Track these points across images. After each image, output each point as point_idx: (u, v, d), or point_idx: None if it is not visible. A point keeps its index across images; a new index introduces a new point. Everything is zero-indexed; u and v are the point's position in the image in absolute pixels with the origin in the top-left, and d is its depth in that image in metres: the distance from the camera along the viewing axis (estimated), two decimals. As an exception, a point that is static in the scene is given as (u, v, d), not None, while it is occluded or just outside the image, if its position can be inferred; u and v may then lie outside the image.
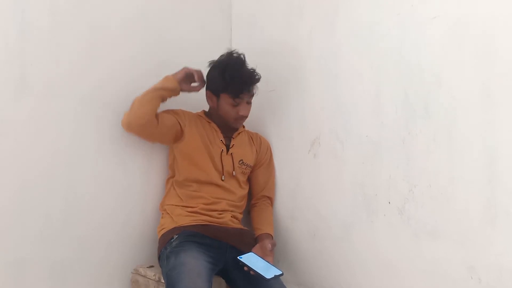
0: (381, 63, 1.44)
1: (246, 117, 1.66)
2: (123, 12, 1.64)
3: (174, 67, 1.76)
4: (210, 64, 1.65)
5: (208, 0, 1.92)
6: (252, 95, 1.66)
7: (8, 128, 1.39)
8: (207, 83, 1.66)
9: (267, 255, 1.49)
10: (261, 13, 1.87)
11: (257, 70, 1.64)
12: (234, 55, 1.62)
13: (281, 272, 1.38)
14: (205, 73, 1.65)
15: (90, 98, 1.55)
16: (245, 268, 1.40)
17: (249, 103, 1.66)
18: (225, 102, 1.62)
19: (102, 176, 1.58)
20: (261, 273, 1.36)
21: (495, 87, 1.20)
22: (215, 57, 1.66)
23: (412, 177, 1.36)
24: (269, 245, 1.52)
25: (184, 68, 1.61)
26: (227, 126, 1.68)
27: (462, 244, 1.26)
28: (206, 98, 1.68)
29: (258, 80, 1.64)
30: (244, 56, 1.64)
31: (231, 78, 1.58)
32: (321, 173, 1.61)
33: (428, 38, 1.32)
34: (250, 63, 1.68)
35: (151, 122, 1.53)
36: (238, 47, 1.79)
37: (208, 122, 1.67)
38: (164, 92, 1.57)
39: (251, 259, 1.42)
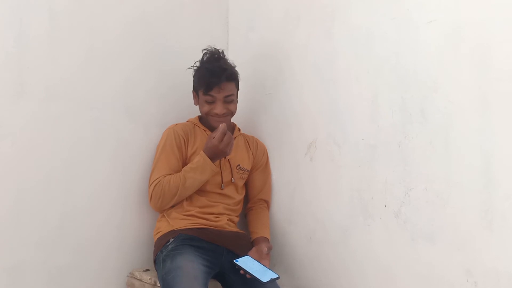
0: (378, 68, 1.45)
1: (221, 115, 1.59)
2: (122, 17, 1.64)
3: (172, 71, 1.77)
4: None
5: (205, 5, 1.92)
6: (228, 93, 1.58)
7: (6, 133, 1.38)
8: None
9: (264, 259, 1.49)
10: (258, 18, 1.88)
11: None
12: (208, 51, 1.62)
13: (278, 276, 1.38)
14: None
15: (89, 102, 1.55)
16: (241, 272, 1.39)
17: (228, 101, 1.60)
18: (201, 99, 1.60)
19: (99, 180, 1.58)
20: (257, 276, 1.36)
21: (491, 92, 1.20)
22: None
23: (408, 181, 1.36)
24: (265, 249, 1.51)
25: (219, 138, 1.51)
26: None
27: (459, 248, 1.26)
28: (193, 98, 1.69)
29: (230, 76, 1.59)
30: (221, 52, 1.62)
31: (201, 73, 1.59)
32: (318, 177, 1.61)
33: (424, 42, 1.33)
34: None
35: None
36: (235, 51, 1.80)
37: (204, 130, 1.67)
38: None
39: (247, 263, 1.42)
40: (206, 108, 1.60)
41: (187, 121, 1.72)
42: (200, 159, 1.54)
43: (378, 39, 1.44)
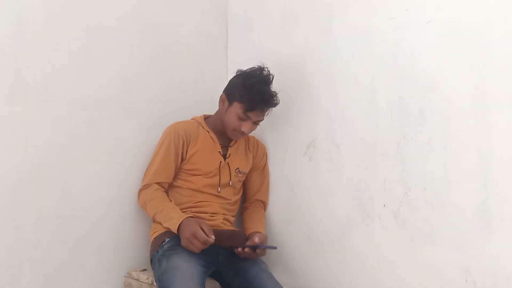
0: (376, 67, 1.45)
1: (245, 134, 1.63)
2: (119, 16, 1.64)
3: (170, 72, 1.77)
4: (237, 71, 1.64)
5: (204, 5, 1.92)
6: (262, 118, 1.62)
7: (2, 131, 1.38)
8: (226, 87, 1.65)
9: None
10: (257, 18, 1.88)
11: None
12: (264, 72, 1.59)
13: (275, 246, 1.46)
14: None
15: (86, 101, 1.55)
16: (239, 249, 1.44)
17: (255, 124, 1.62)
18: (235, 111, 1.57)
19: (95, 180, 1.57)
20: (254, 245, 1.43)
21: (488, 91, 1.21)
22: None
23: (407, 181, 1.36)
24: (257, 238, 1.51)
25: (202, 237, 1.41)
26: (225, 134, 1.66)
27: (457, 247, 1.26)
28: (219, 100, 1.65)
29: (275, 104, 1.60)
30: (273, 76, 1.61)
31: (252, 91, 1.55)
32: (317, 176, 1.61)
33: (423, 42, 1.33)
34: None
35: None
36: (234, 52, 1.80)
37: (207, 131, 1.66)
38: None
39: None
40: (235, 122, 1.58)
41: (192, 119, 1.70)
42: (173, 223, 1.46)
43: (377, 39, 1.45)
